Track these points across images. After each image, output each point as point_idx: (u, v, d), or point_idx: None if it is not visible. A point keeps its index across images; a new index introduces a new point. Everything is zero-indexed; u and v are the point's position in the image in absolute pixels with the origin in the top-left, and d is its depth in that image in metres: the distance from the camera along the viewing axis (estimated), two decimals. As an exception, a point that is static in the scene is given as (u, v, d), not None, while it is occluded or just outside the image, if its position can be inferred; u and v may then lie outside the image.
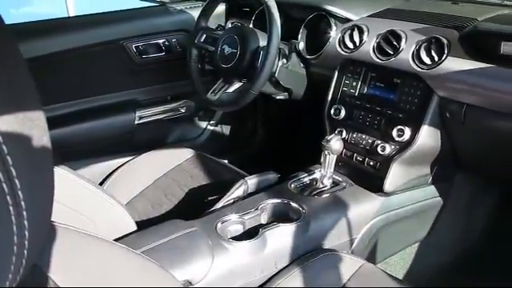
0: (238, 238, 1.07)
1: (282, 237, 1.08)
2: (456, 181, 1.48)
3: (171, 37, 1.74)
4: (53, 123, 1.47)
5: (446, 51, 1.19)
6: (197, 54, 1.60)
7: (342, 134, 1.37)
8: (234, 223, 1.11)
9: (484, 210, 1.63)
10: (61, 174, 0.99)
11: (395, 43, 1.29)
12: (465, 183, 1.52)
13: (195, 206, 1.25)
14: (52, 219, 0.43)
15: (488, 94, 1.12)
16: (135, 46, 1.66)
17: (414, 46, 1.25)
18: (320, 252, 1.11)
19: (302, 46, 1.47)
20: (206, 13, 1.60)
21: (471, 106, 1.17)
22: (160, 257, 0.94)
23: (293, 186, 1.28)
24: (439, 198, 1.44)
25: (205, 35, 1.58)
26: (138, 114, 1.70)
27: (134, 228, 1.13)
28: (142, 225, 1.13)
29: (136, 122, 1.70)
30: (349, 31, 1.40)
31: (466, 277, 1.50)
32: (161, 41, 1.72)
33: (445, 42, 1.20)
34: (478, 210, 1.61)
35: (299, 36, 1.53)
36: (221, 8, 1.83)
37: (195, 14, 1.70)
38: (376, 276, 1.08)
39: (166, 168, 1.50)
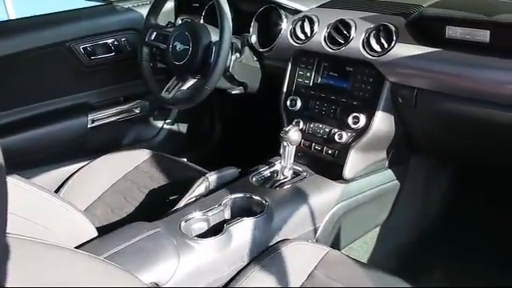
0: (202, 236, 1.07)
1: (246, 231, 1.08)
2: (411, 164, 1.53)
3: (120, 36, 1.69)
4: (0, 132, 1.40)
5: (394, 38, 1.22)
6: (148, 52, 1.57)
7: (299, 125, 1.38)
8: (197, 221, 1.10)
9: (439, 191, 1.69)
10: (12, 183, 0.95)
11: (345, 32, 1.31)
12: (420, 165, 1.57)
13: (157, 207, 1.23)
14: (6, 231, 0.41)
15: (436, 77, 1.17)
16: (83, 48, 1.61)
17: (363, 34, 1.27)
18: (285, 242, 1.12)
19: (254, 39, 1.47)
20: (154, 10, 1.57)
21: (422, 90, 1.20)
22: (124, 261, 0.92)
23: (254, 179, 1.28)
24: (396, 181, 1.48)
25: (155, 33, 1.56)
26: (90, 117, 1.65)
27: (95, 234, 1.10)
28: (103, 230, 1.10)
29: (89, 126, 1.65)
30: (300, 22, 1.41)
31: (425, 257, 1.55)
32: (110, 41, 1.67)
33: (393, 29, 1.23)
34: (434, 191, 1.66)
35: (251, 29, 1.52)
36: (169, 4, 1.80)
37: (144, 11, 1.67)
38: (342, 262, 1.10)
39: (124, 170, 1.47)
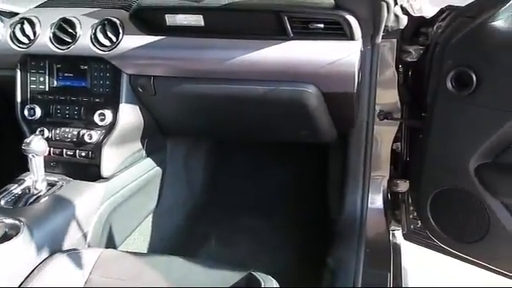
0: None
1: (2, 259, 0.98)
2: (169, 147, 1.61)
3: None
4: None
5: (120, 31, 1.25)
6: None
7: (43, 134, 1.30)
8: None
9: (200, 167, 1.83)
10: None
11: (71, 30, 1.28)
12: (177, 147, 1.66)
13: None
14: None
15: (166, 63, 1.25)
16: None
17: (90, 31, 1.27)
18: (53, 257, 1.06)
19: (-34, 49, 1.31)
20: None
21: (157, 77, 1.27)
22: None
23: (3, 201, 1.17)
24: (158, 168, 1.54)
25: None
26: None
27: None
28: None
29: None
30: (19, 25, 1.31)
31: (199, 228, 1.67)
32: None
33: (117, 22, 1.26)
34: (195, 167, 1.79)
35: (-40, 39, 1.35)
36: None
37: None
38: (117, 258, 1.10)
39: None
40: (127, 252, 1.13)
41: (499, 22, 1.00)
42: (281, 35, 1.16)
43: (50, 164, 1.30)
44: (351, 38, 1.15)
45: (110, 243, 1.33)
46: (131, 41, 1.24)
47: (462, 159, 1.14)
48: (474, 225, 1.19)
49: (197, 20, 1.18)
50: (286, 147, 1.72)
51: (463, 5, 1.15)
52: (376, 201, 1.49)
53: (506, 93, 1.01)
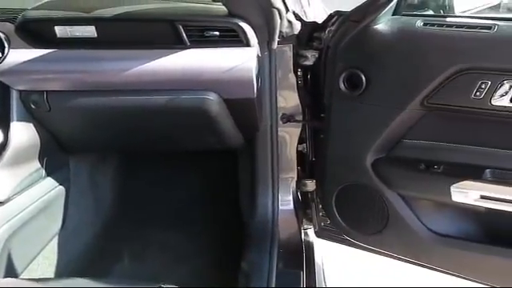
0: None
1: None
2: (72, 165, 1.53)
3: None
4: None
5: (6, 45, 1.18)
6: None
7: None
8: None
9: (108, 183, 1.76)
10: None
11: None
12: (80, 164, 1.58)
13: None
14: None
15: (59, 77, 1.20)
16: None
17: (-29, 46, 1.18)
18: None
19: None
20: None
21: (51, 92, 1.21)
22: None
23: None
24: (60, 187, 1.45)
25: None
26: None
27: None
28: None
29: None
30: None
31: (110, 246, 1.60)
32: None
33: (1, 36, 1.18)
34: (101, 183, 1.72)
35: None
36: None
37: None
38: (17, 287, 1.03)
39: None
40: (29, 279, 1.06)
41: (380, 25, 1.07)
42: (178, 44, 1.16)
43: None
44: (247, 44, 1.17)
45: (11, 271, 1.24)
46: (19, 55, 1.17)
47: (359, 156, 1.20)
48: (375, 217, 1.25)
49: (89, 31, 1.15)
50: (196, 155, 1.71)
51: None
52: (286, 202, 1.52)
53: (391, 91, 1.08)
